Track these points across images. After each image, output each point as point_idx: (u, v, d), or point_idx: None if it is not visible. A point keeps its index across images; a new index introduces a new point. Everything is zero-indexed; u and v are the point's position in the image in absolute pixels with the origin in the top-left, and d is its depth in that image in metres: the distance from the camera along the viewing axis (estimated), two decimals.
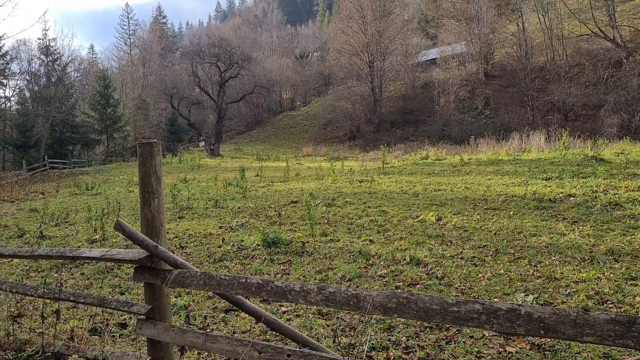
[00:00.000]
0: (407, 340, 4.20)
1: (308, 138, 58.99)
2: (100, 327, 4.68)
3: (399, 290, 5.39)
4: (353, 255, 6.94)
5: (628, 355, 3.70)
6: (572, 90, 42.50)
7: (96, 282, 6.34)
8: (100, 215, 9.72)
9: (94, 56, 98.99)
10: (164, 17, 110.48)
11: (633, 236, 7.17)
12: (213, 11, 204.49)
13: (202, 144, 51.49)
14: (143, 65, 69.88)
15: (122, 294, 5.86)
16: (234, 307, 4.54)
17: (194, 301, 5.42)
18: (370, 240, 7.80)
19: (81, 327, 4.65)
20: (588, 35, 45.07)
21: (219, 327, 4.72)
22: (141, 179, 3.33)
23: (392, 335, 4.28)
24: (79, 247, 8.31)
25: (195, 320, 4.90)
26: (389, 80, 61.95)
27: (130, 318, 4.93)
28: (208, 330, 4.58)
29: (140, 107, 57.68)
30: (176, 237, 8.81)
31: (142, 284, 3.55)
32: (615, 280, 5.43)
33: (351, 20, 60.23)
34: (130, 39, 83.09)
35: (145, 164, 3.29)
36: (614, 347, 3.73)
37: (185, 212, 11.54)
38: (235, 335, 4.43)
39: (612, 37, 44.38)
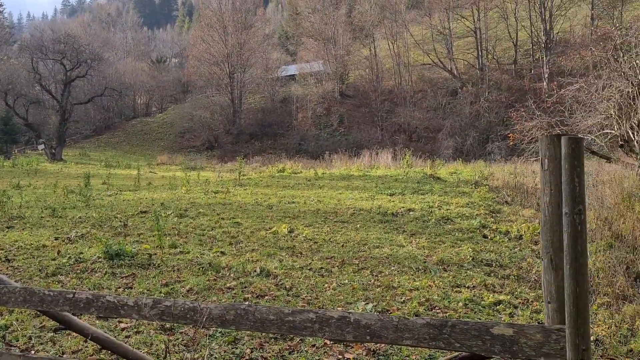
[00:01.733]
0: (252, 352, 4.20)
1: (163, 146, 56.59)
2: None
3: (246, 302, 5.37)
4: (203, 268, 6.78)
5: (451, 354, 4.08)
6: (416, 114, 46.37)
7: None
8: None
9: None
10: (1, 4, 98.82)
11: (460, 248, 8.01)
12: (60, 4, 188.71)
13: (41, 147, 46.64)
14: None
15: None
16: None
17: (17, 320, 4.86)
18: (222, 252, 7.70)
19: None
20: (430, 64, 49.89)
21: (46, 347, 4.28)
22: None
23: (237, 348, 4.25)
24: None
25: (17, 341, 4.39)
26: (249, 93, 62.06)
27: None
28: (32, 352, 4.14)
29: None
30: (2, 249, 7.86)
31: None
32: (444, 288, 5.99)
33: (212, 29, 59.39)
34: None
35: None
36: (437, 350, 4.10)
37: (16, 221, 10.35)
38: (65, 356, 4.06)
39: (449, 68, 49.60)
